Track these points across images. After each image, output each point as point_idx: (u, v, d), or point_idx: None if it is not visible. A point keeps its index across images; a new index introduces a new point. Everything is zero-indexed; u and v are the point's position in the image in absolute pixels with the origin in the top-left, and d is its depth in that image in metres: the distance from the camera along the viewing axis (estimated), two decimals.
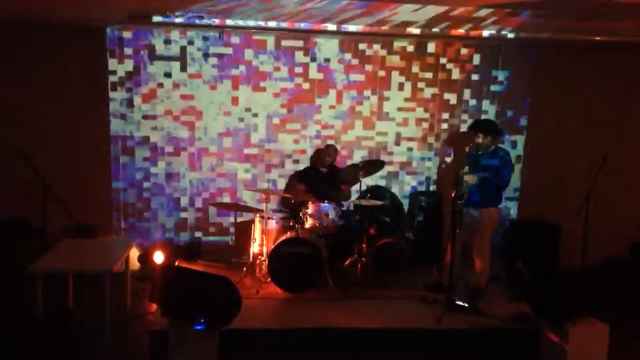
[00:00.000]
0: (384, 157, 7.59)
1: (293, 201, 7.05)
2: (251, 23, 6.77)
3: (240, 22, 6.75)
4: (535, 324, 5.34)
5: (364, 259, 6.53)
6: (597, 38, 6.91)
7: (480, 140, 6.08)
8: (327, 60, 7.50)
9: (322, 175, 7.13)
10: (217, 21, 6.69)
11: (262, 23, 6.75)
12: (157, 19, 6.54)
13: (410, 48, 7.56)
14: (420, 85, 7.65)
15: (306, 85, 7.52)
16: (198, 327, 4.59)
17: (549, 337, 5.15)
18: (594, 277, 6.79)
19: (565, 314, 5.02)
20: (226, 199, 7.58)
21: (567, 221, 6.82)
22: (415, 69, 7.62)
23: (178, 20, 6.57)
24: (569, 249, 6.94)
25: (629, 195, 7.72)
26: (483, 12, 5.62)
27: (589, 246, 6.51)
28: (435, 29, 6.77)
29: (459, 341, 5.45)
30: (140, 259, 6.95)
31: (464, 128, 7.66)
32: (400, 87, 7.63)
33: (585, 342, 4.94)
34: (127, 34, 7.18)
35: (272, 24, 6.75)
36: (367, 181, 7.10)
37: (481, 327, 5.52)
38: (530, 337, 5.32)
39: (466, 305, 5.84)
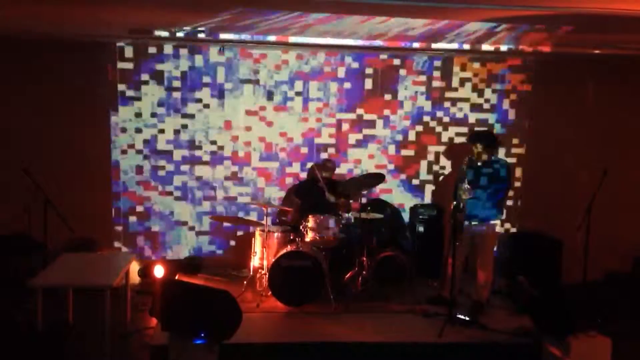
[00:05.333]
0: None
1: (290, 217, 7.05)
2: (252, 37, 6.81)
3: (242, 37, 6.78)
4: (537, 338, 5.31)
5: (364, 272, 6.51)
6: (597, 51, 6.94)
7: (478, 151, 6.09)
8: None
9: (319, 189, 7.12)
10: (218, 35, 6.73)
11: (262, 37, 6.79)
12: (158, 33, 6.58)
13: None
14: None
15: None
16: (198, 342, 4.57)
17: (551, 351, 5.11)
18: (596, 291, 6.76)
19: (567, 328, 5.00)
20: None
21: (568, 235, 6.81)
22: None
23: (179, 34, 6.60)
24: (571, 263, 6.92)
25: (631, 209, 7.70)
26: (484, 26, 5.66)
27: (591, 260, 6.48)
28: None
29: (460, 355, 5.42)
30: (140, 273, 6.93)
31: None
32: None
33: (588, 356, 4.92)
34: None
35: (273, 38, 6.79)
36: None
37: (483, 341, 5.50)
38: (532, 351, 5.29)
39: (468, 318, 5.82)
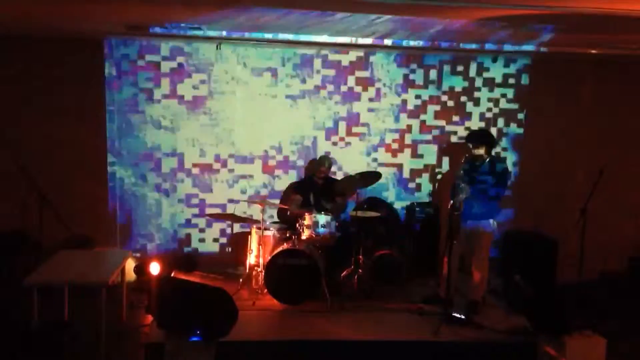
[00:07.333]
0: None
1: (289, 213, 7.05)
2: (249, 35, 6.79)
3: (238, 34, 6.76)
4: (533, 337, 5.33)
5: (360, 270, 6.51)
6: (593, 51, 6.95)
7: (475, 151, 6.10)
8: None
9: (318, 186, 7.13)
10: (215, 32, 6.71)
11: (260, 35, 6.78)
12: (154, 30, 6.55)
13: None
14: None
15: None
16: (194, 339, 4.56)
17: (546, 351, 5.13)
18: (591, 290, 6.79)
19: (563, 327, 5.01)
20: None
21: (564, 234, 6.82)
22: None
23: (175, 31, 6.57)
24: (566, 262, 6.94)
25: (626, 208, 7.73)
26: (481, 26, 5.65)
27: (586, 260, 6.50)
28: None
29: (456, 354, 5.42)
30: (136, 270, 6.92)
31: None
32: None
33: (583, 356, 4.92)
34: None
35: (269, 35, 6.78)
36: None
37: (478, 340, 5.51)
38: (528, 350, 5.30)
39: (463, 317, 5.83)
